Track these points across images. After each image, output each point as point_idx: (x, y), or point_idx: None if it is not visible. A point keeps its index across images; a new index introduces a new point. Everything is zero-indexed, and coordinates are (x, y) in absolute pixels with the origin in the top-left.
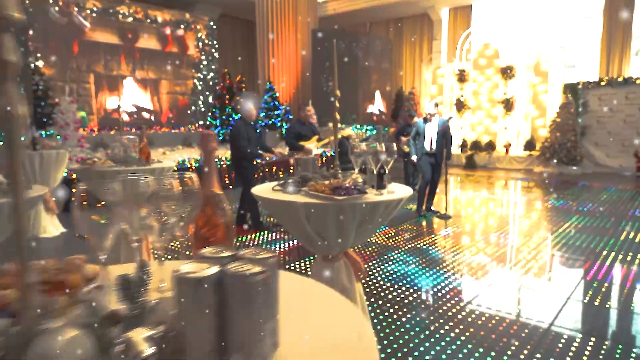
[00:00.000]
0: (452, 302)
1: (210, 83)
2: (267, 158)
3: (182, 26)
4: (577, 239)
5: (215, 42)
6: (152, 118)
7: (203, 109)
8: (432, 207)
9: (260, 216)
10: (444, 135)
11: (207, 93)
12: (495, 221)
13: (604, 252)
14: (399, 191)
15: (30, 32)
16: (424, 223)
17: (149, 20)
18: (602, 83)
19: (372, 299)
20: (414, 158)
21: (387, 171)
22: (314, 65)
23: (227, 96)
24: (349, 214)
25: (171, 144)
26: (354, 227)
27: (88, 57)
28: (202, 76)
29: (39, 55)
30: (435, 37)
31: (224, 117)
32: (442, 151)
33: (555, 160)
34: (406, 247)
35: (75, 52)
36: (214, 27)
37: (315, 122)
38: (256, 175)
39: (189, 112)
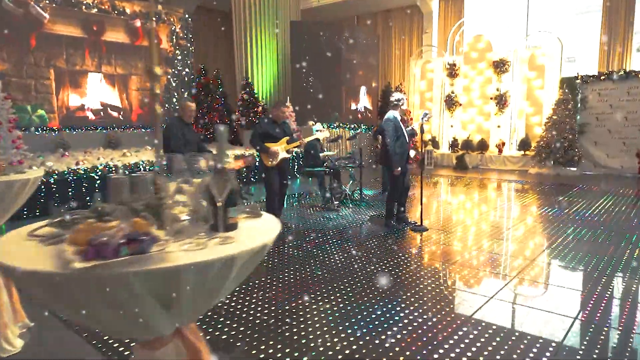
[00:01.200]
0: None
1: (186, 79)
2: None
3: (153, 19)
4: (573, 257)
5: (190, 36)
6: (121, 117)
7: (178, 107)
8: (406, 216)
9: None
10: (413, 133)
11: (183, 90)
12: (480, 235)
13: (604, 274)
14: (252, 231)
15: None
16: (390, 240)
17: (116, 12)
18: (602, 77)
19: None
20: (398, 171)
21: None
22: (294, 59)
23: (203, 93)
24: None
25: (141, 144)
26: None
27: (48, 51)
28: (176, 72)
29: None
30: (426, 30)
31: (197, 116)
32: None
33: (551, 161)
34: (364, 274)
35: (33, 45)
36: (189, 20)
37: (294, 123)
38: None
39: (162, 110)
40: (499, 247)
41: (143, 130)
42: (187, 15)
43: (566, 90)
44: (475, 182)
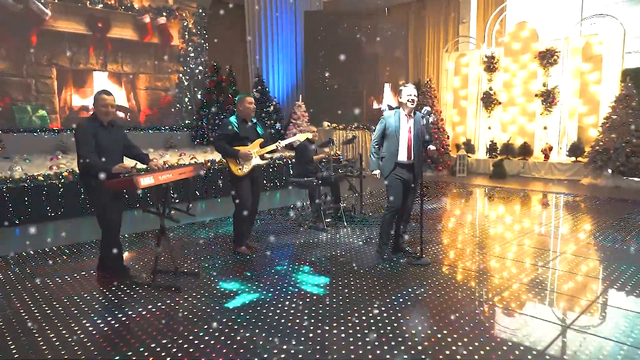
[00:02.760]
0: None
1: (199, 77)
2: (126, 174)
3: (164, 14)
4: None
5: (205, 32)
6: (128, 118)
7: (190, 107)
8: (404, 245)
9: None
10: (423, 137)
11: (195, 89)
12: (505, 275)
13: None
14: None
15: None
16: (380, 278)
17: (123, 8)
18: None
19: None
20: (376, 173)
21: None
22: (308, 54)
23: (216, 92)
24: None
25: (150, 146)
26: None
27: (50, 49)
28: (188, 70)
29: None
30: (463, 19)
31: (209, 116)
32: (421, 160)
33: (609, 170)
34: (352, 319)
35: (34, 43)
36: (204, 14)
37: (306, 123)
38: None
39: (173, 110)
40: (540, 300)
41: (150, 131)
42: (200, 10)
43: (629, 85)
44: (514, 194)
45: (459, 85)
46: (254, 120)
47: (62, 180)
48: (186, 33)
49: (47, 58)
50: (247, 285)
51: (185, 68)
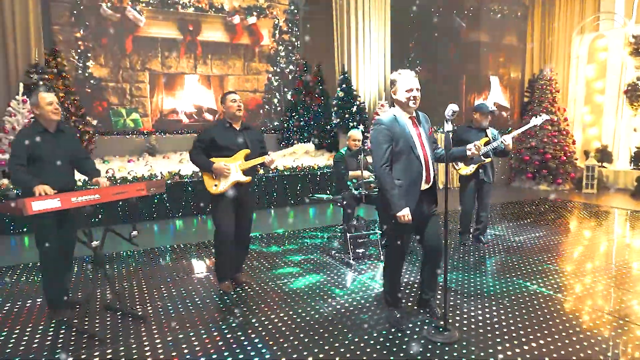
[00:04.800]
0: None
1: (289, 77)
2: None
3: (254, 13)
4: None
5: (296, 30)
6: (216, 120)
7: (280, 108)
8: (432, 303)
9: (64, 294)
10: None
11: (286, 89)
12: None
13: None
14: None
15: (81, 31)
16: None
17: (213, 10)
18: None
19: None
20: (405, 214)
21: None
22: (394, 44)
23: (304, 92)
24: None
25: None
26: None
27: (143, 55)
28: (278, 70)
29: (89, 55)
30: None
31: (295, 118)
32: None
33: None
34: None
35: (129, 50)
36: (296, 12)
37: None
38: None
39: (261, 112)
40: None
41: None
42: (292, 7)
43: None
44: None
45: (594, 75)
46: (247, 125)
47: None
48: (277, 32)
49: (140, 63)
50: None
51: (275, 68)
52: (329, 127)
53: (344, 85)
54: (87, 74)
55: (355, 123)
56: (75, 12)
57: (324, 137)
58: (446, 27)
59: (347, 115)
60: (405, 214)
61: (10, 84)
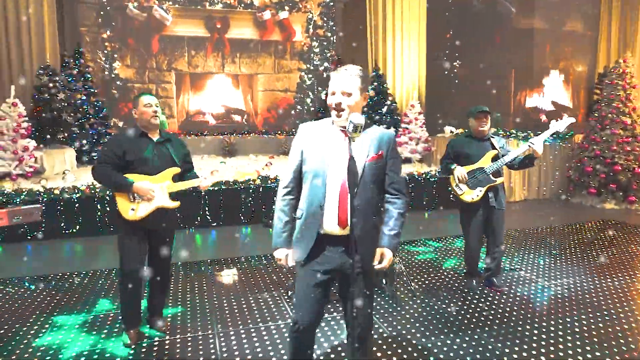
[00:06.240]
0: None
1: (324, 75)
2: None
3: (286, 7)
4: None
5: (332, 24)
6: (244, 121)
7: (313, 108)
8: None
9: None
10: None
11: (320, 88)
12: None
13: None
14: None
15: (108, 32)
16: None
17: (242, 5)
18: None
19: None
20: (281, 258)
21: None
22: (430, 34)
23: None
24: None
25: (261, 152)
26: None
27: (169, 54)
28: (311, 67)
29: (115, 56)
30: None
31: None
32: (374, 228)
33: None
34: None
35: (155, 50)
36: (332, 4)
37: (421, 127)
38: None
39: (292, 112)
40: None
41: (266, 136)
42: (328, 0)
43: None
44: None
45: None
46: (168, 136)
47: None
48: (310, 27)
49: (167, 63)
50: None
51: (308, 66)
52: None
53: (375, 84)
54: (113, 75)
55: (384, 126)
56: (102, 12)
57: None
58: (491, 12)
59: (377, 117)
60: (280, 257)
61: (26, 88)
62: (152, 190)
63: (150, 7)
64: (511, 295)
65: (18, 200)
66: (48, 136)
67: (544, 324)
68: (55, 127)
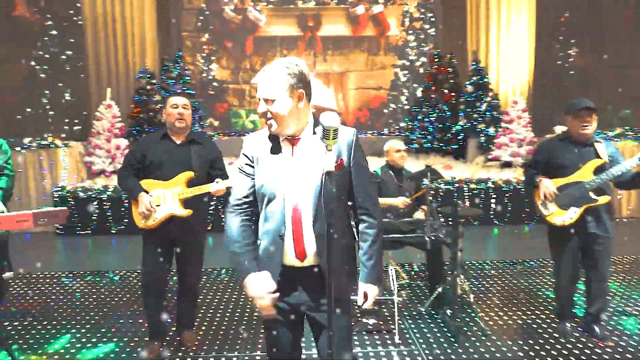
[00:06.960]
0: None
1: (420, 71)
2: None
3: (380, 1)
4: None
5: (431, 16)
6: None
7: (408, 107)
8: None
9: None
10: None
11: (415, 85)
12: None
13: None
14: None
15: (206, 35)
16: None
17: (335, 1)
18: None
19: None
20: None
21: None
22: (540, 20)
23: (434, 87)
24: None
25: None
26: None
27: (263, 54)
28: (407, 63)
29: (213, 58)
30: None
31: (419, 118)
32: (347, 258)
33: None
34: None
35: (249, 51)
36: None
37: (525, 126)
38: None
39: (385, 111)
40: None
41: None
42: None
43: None
44: None
45: None
46: (195, 138)
47: None
48: (406, 19)
49: (260, 63)
50: None
51: (403, 61)
52: (454, 129)
53: (474, 78)
54: (210, 77)
55: (484, 126)
56: (201, 17)
57: (451, 141)
58: None
59: (475, 115)
60: (255, 287)
61: (129, 90)
62: (148, 207)
63: (245, 9)
64: (619, 351)
65: (106, 195)
66: (144, 135)
67: None
68: (151, 127)
